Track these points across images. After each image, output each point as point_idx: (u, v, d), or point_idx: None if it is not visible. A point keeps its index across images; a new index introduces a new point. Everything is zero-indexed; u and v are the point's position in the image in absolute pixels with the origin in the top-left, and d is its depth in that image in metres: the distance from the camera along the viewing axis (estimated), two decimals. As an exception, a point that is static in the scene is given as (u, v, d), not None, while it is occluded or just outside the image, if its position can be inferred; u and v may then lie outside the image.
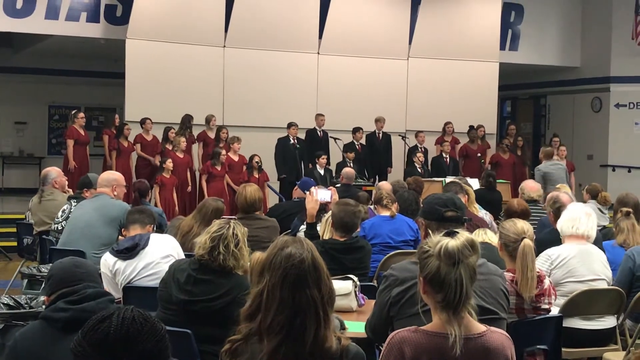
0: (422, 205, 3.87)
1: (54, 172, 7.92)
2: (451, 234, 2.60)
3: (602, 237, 5.95)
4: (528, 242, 4.08)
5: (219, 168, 11.96)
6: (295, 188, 8.01)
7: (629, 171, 15.93)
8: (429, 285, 2.57)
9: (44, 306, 3.86)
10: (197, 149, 12.94)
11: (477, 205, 7.18)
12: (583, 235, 5.02)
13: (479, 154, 14.22)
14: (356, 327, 3.88)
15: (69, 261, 3.08)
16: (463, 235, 2.60)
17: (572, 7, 16.92)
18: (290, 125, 12.89)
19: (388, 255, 5.96)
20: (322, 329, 2.37)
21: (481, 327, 2.60)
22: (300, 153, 12.83)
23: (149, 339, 1.98)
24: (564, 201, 6.07)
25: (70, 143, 12.25)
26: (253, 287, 2.47)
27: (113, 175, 6.82)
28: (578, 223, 5.02)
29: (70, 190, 8.06)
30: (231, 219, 4.00)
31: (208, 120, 12.94)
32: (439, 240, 2.57)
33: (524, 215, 5.94)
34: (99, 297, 2.84)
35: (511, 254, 4.16)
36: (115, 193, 6.57)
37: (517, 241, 4.12)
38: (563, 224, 5.09)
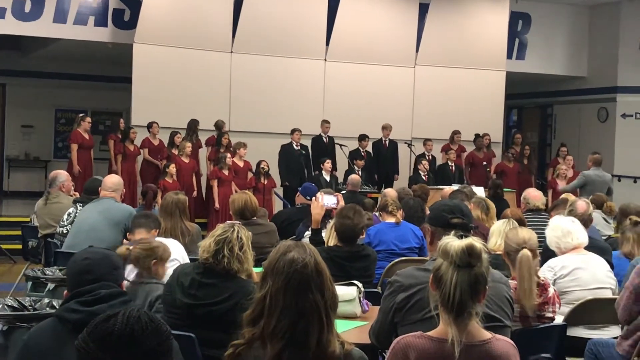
0: (428, 212, 3.86)
1: (62, 175, 7.93)
2: (460, 237, 2.62)
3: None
4: (526, 253, 4.05)
5: (226, 173, 11.96)
6: (298, 194, 7.99)
7: (635, 181, 15.87)
8: (433, 279, 2.62)
9: (48, 308, 3.87)
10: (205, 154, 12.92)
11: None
12: (581, 244, 5.02)
13: (484, 163, 14.21)
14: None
15: (85, 259, 3.02)
16: (469, 239, 2.60)
17: (579, 17, 16.89)
18: (293, 130, 12.90)
19: (393, 262, 5.95)
20: (326, 334, 2.36)
21: (487, 335, 2.61)
22: (305, 159, 12.81)
23: (152, 338, 1.98)
24: (578, 208, 6.12)
25: (74, 147, 12.19)
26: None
27: (120, 180, 6.84)
28: (573, 234, 5.01)
29: (77, 193, 8.07)
30: (235, 223, 3.99)
31: (220, 126, 12.90)
32: (447, 239, 2.62)
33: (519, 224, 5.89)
34: (113, 299, 2.82)
35: (513, 262, 4.15)
36: (122, 198, 6.62)
37: (517, 251, 4.11)
38: (559, 241, 5.03)
